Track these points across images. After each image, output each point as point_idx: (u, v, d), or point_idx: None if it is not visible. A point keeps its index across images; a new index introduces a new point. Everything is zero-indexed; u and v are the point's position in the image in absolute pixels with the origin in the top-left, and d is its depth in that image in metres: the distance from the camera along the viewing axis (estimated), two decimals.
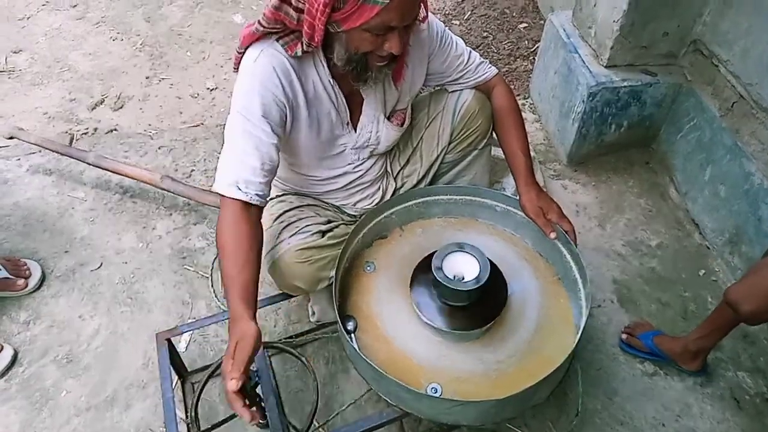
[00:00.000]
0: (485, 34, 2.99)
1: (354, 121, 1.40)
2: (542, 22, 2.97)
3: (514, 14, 3.11)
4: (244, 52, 1.24)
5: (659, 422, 1.57)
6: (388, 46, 1.13)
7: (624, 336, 1.71)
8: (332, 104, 1.32)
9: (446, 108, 1.55)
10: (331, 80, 1.28)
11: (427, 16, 1.28)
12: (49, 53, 2.83)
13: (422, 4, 1.22)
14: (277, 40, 1.20)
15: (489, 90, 1.55)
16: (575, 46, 2.14)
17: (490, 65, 1.54)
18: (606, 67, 2.04)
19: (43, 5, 3.15)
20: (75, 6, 3.15)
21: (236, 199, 1.17)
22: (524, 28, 3.03)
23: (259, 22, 1.18)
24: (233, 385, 1.00)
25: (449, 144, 1.58)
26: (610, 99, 2.05)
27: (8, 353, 1.65)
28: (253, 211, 1.21)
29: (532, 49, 2.87)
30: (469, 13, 3.09)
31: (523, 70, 2.78)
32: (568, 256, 1.40)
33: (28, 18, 3.07)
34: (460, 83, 1.52)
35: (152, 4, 3.17)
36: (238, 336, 1.07)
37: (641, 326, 1.72)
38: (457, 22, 3.04)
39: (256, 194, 1.19)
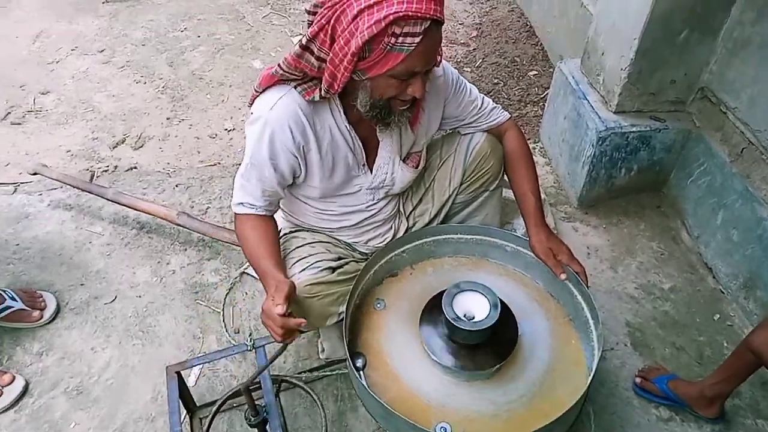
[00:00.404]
0: (496, 80, 3.07)
1: (370, 162, 1.43)
2: (551, 69, 3.05)
3: (524, 62, 3.20)
4: (261, 93, 1.29)
5: None
6: (412, 91, 1.18)
7: (638, 380, 1.68)
8: (349, 149, 1.36)
9: (458, 149, 1.58)
10: (348, 125, 1.32)
11: (442, 58, 1.33)
12: (75, 95, 2.95)
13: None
14: (295, 87, 1.24)
15: (501, 134, 1.59)
16: (584, 93, 2.19)
17: (502, 110, 1.58)
18: (615, 112, 2.08)
19: (72, 50, 3.30)
20: (102, 51, 3.30)
21: (247, 214, 1.36)
22: (534, 75, 3.11)
23: (279, 65, 1.22)
24: (280, 309, 1.15)
25: (461, 185, 1.61)
26: (620, 144, 2.08)
27: (19, 384, 1.66)
28: (264, 218, 1.39)
29: (541, 95, 2.93)
30: (480, 60, 3.18)
31: (533, 115, 2.84)
32: (579, 297, 1.40)
33: (57, 62, 3.21)
34: (473, 126, 1.57)
35: (175, 50, 3.31)
36: (273, 285, 1.23)
37: (655, 370, 1.69)
38: (469, 70, 3.12)
39: (263, 207, 1.37)
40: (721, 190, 1.95)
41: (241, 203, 1.36)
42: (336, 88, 1.17)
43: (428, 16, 1.06)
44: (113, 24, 3.54)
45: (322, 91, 1.20)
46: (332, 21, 1.09)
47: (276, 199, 1.40)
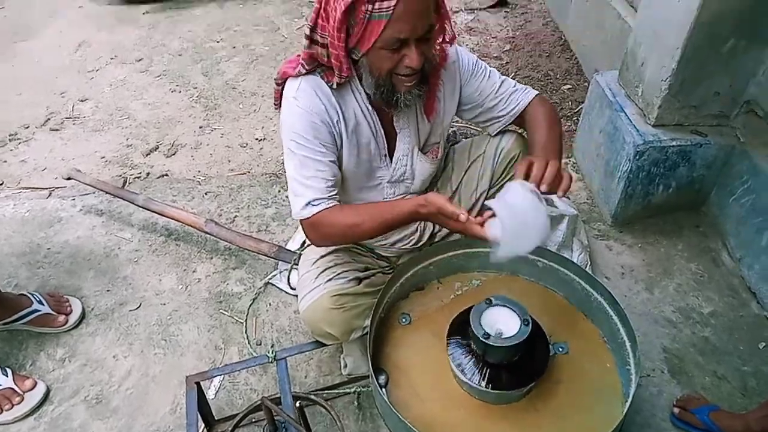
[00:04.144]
0: None
1: (390, 154, 1.42)
2: (586, 84, 2.98)
3: (557, 76, 3.14)
4: (283, 84, 1.31)
5: None
6: (408, 61, 1.16)
7: (676, 410, 1.58)
8: (372, 134, 1.35)
9: (487, 152, 1.54)
10: (370, 108, 1.32)
11: (454, 36, 1.30)
12: (112, 102, 3.01)
13: (447, 22, 1.25)
14: (316, 73, 1.27)
15: (527, 111, 1.46)
16: (621, 105, 2.12)
17: (527, 91, 1.47)
18: (653, 126, 2.00)
19: (111, 59, 3.39)
20: (140, 60, 3.37)
21: (320, 211, 1.25)
22: (568, 89, 3.04)
23: (302, 65, 1.25)
24: (464, 217, 1.11)
25: (490, 188, 1.57)
26: (658, 158, 2.00)
27: (41, 390, 1.66)
28: (338, 206, 1.29)
29: (575, 110, 2.86)
30: (513, 74, 3.14)
31: (566, 131, 2.77)
32: (615, 318, 1.33)
33: (97, 70, 3.30)
34: (495, 114, 1.48)
35: (211, 60, 3.36)
36: (428, 207, 1.18)
37: (695, 400, 1.59)
38: None
39: (332, 197, 1.28)
40: (766, 209, 1.85)
41: (310, 203, 1.26)
42: (345, 70, 1.20)
43: None
44: (152, 34, 3.63)
45: (337, 77, 1.22)
46: (324, 3, 1.14)
47: (337, 184, 1.31)
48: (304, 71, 1.26)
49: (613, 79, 2.25)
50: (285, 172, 1.32)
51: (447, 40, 1.29)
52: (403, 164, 1.44)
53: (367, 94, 1.30)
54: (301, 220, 1.30)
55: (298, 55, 1.27)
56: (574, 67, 3.17)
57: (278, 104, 1.35)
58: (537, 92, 1.48)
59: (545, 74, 3.14)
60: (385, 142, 1.39)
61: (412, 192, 1.52)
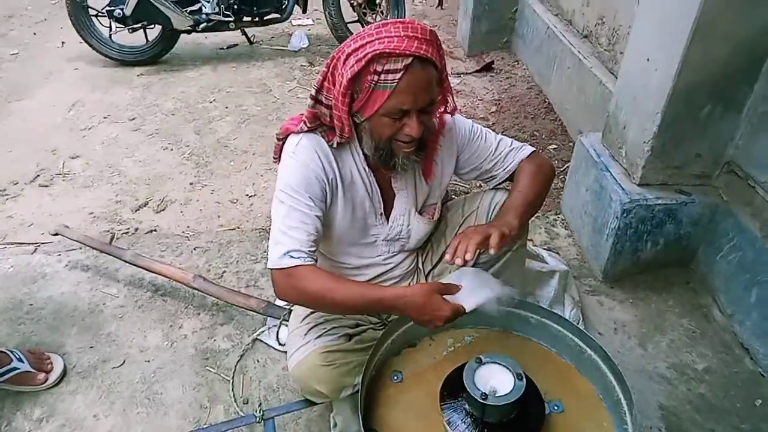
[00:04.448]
0: None
1: (387, 213, 1.44)
2: (571, 143, 3.07)
3: (543, 136, 3.23)
4: (284, 140, 1.35)
5: None
6: (408, 130, 1.21)
7: None
8: (367, 193, 1.38)
9: (480, 207, 1.56)
10: (367, 169, 1.36)
11: (456, 108, 1.37)
12: (103, 159, 3.03)
13: (449, 94, 1.32)
14: (317, 132, 1.31)
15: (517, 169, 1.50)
16: (606, 165, 2.18)
17: (522, 149, 1.50)
18: (639, 185, 2.05)
19: (104, 118, 3.43)
20: (133, 119, 3.42)
21: (296, 266, 1.24)
22: (554, 149, 3.13)
23: (304, 122, 1.30)
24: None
25: None
26: (645, 216, 2.04)
27: None
28: (314, 266, 1.27)
29: (562, 169, 2.93)
30: (500, 133, 3.22)
31: (554, 188, 2.82)
32: (610, 375, 1.31)
33: (89, 129, 3.33)
34: (493, 174, 1.52)
35: (203, 119, 3.42)
36: (411, 306, 1.21)
37: None
38: None
39: (310, 254, 1.26)
40: (753, 266, 1.87)
41: (288, 253, 1.24)
42: (346, 131, 1.25)
43: (408, 52, 1.12)
44: (146, 95, 3.70)
45: (338, 138, 1.27)
46: (331, 68, 1.21)
47: (317, 243, 1.30)
48: (306, 129, 1.30)
49: (597, 140, 2.32)
50: None
51: (448, 111, 1.37)
52: (400, 224, 1.46)
53: (365, 155, 1.34)
54: (274, 269, 1.26)
55: (301, 114, 1.32)
56: (559, 128, 3.27)
57: (277, 158, 1.38)
58: (533, 149, 1.52)
59: (531, 134, 3.24)
60: (381, 201, 1.42)
61: (407, 250, 1.53)
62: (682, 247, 2.16)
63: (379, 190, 1.40)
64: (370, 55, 1.12)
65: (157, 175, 2.90)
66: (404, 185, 1.42)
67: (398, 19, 1.18)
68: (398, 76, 1.13)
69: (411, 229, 1.47)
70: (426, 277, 1.60)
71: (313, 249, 1.28)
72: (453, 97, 1.35)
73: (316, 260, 1.30)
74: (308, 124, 1.30)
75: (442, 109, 1.36)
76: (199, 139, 3.23)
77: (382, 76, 1.14)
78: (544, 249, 2.29)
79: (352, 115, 1.24)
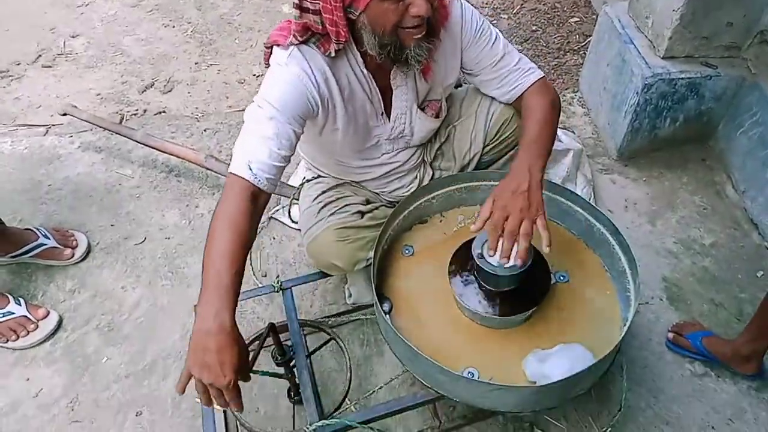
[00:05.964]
0: (534, 27, 2.91)
1: (388, 112, 1.37)
2: (594, 16, 2.88)
3: (564, 8, 3.02)
4: (271, 49, 1.22)
5: (708, 425, 1.49)
6: (416, 10, 1.06)
7: (670, 335, 1.62)
8: (366, 96, 1.30)
9: (479, 115, 1.51)
10: (365, 72, 1.25)
11: None
12: (104, 38, 2.92)
13: None
14: (310, 44, 1.18)
15: (524, 98, 1.39)
16: (630, 37, 2.06)
17: (528, 71, 1.37)
18: (663, 58, 1.95)
19: None
20: None
21: (244, 180, 1.10)
22: (575, 22, 2.94)
23: (294, 36, 1.16)
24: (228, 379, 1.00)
25: (483, 149, 1.55)
26: (666, 91, 1.96)
27: (54, 318, 1.70)
28: (259, 196, 1.13)
29: (582, 44, 2.78)
30: (519, 6, 3.02)
31: (573, 64, 2.70)
32: (617, 247, 1.34)
33: (86, 5, 3.17)
34: (490, 90, 1.43)
35: None
36: (220, 335, 1.03)
37: (690, 326, 1.63)
38: (506, 16, 2.97)
39: (266, 178, 1.12)
40: None
41: (248, 164, 1.10)
42: (342, 34, 1.11)
43: None
44: None
45: (335, 45, 1.14)
46: None
47: (285, 165, 1.18)
48: (296, 42, 1.16)
49: (623, 10, 2.17)
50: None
51: None
52: (402, 122, 1.39)
53: (363, 58, 1.23)
54: (231, 174, 1.12)
55: (289, 22, 1.18)
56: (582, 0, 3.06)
57: (268, 64, 1.25)
58: (540, 75, 1.38)
59: (552, 6, 3.03)
60: (381, 101, 1.33)
61: (411, 146, 1.48)
62: (703, 123, 2.10)
63: (378, 91, 1.30)
64: None
65: (160, 55, 2.81)
66: (403, 81, 1.31)
67: None
68: None
69: (414, 127, 1.41)
70: (432, 167, 1.58)
71: (277, 165, 1.14)
72: None
73: (274, 186, 1.16)
74: (299, 38, 1.15)
75: None
76: (200, 15, 3.07)
77: None
78: (560, 128, 2.24)
79: (346, 12, 1.09)
